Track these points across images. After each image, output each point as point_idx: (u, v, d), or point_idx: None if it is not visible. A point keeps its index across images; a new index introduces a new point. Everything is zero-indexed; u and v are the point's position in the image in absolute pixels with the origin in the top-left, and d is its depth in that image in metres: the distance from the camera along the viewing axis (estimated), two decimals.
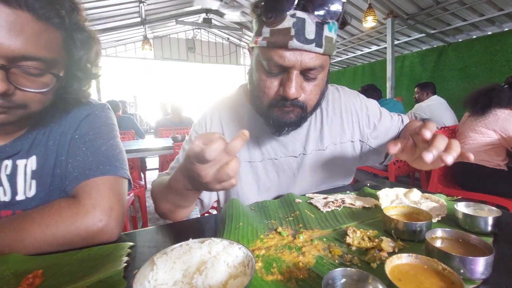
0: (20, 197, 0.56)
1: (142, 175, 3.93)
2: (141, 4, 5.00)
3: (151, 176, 4.80)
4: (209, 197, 0.77)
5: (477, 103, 1.91)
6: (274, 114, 0.63)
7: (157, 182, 0.71)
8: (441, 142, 0.47)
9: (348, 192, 0.74)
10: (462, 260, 0.36)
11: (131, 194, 1.81)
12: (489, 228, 0.48)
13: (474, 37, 4.86)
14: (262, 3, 0.56)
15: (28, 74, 0.46)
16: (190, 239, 0.38)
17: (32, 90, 0.47)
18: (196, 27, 6.98)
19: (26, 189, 0.56)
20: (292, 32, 0.54)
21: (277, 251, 0.44)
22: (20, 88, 0.45)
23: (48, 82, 0.48)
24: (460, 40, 5.07)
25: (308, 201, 0.66)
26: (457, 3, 4.00)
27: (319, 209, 0.61)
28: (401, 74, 5.84)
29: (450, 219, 0.53)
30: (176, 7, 5.86)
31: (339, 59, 6.93)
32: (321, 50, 0.57)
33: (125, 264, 0.40)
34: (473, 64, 4.61)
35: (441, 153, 0.46)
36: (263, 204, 0.64)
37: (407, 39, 5.45)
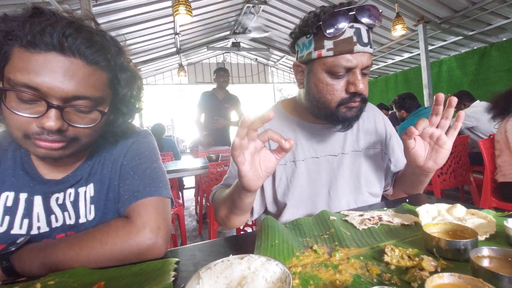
0: (82, 220, 0.64)
1: (180, 194, 4.11)
2: (177, 36, 5.45)
3: (189, 194, 4.99)
4: (259, 204, 0.86)
5: (496, 107, 1.75)
6: (341, 111, 0.74)
7: (217, 193, 0.85)
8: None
9: (385, 208, 0.72)
10: (511, 280, 0.34)
11: (172, 213, 1.90)
12: None
13: None
14: (320, 23, 0.68)
15: (79, 112, 0.53)
16: (231, 255, 0.41)
17: (82, 126, 0.54)
18: (226, 51, 7.38)
19: (86, 213, 0.64)
20: (354, 39, 0.67)
21: (313, 268, 0.44)
22: (72, 125, 0.53)
23: (96, 118, 0.56)
24: (505, 39, 4.69)
25: (343, 218, 0.66)
26: (496, 1, 3.75)
27: (355, 227, 0.60)
28: (438, 80, 5.51)
29: (499, 237, 0.50)
30: (207, 35, 6.30)
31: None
32: (371, 50, 0.71)
33: (173, 278, 0.44)
34: None
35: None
36: (298, 221, 0.65)
37: (442, 43, 5.19)
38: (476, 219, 0.57)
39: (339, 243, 0.53)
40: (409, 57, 5.99)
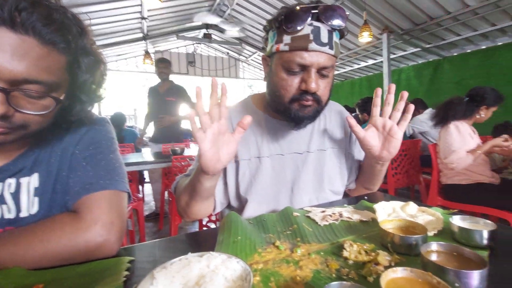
0: (23, 214, 0.56)
1: (141, 188, 3.92)
2: (144, 21, 5.14)
3: (149, 188, 4.77)
4: (222, 196, 0.84)
5: (436, 117, 1.96)
6: (294, 108, 0.73)
7: (179, 182, 0.83)
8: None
9: (345, 205, 0.75)
10: (457, 273, 0.36)
11: (129, 208, 1.80)
12: (485, 242, 0.48)
13: (469, 51, 4.97)
14: (283, 17, 0.68)
15: (28, 97, 0.46)
16: (189, 253, 0.39)
17: (32, 113, 0.47)
18: (197, 42, 7.14)
19: (29, 206, 0.57)
20: (311, 37, 0.67)
21: (275, 265, 0.44)
22: (19, 111, 0.46)
23: (48, 104, 0.49)
24: (455, 54, 5.18)
25: (306, 214, 0.67)
26: (450, 19, 4.12)
27: (317, 223, 0.61)
28: (398, 87, 5.87)
29: (446, 233, 0.54)
30: (177, 23, 6.04)
31: (337, 72, 7.06)
32: (332, 52, 0.70)
33: (125, 279, 0.41)
34: (468, 77, 4.69)
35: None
36: (261, 217, 0.65)
37: (403, 53, 5.57)
38: (426, 216, 0.62)
39: (301, 239, 0.54)
40: (373, 64, 6.35)
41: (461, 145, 1.79)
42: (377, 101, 0.78)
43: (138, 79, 17.10)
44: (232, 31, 4.86)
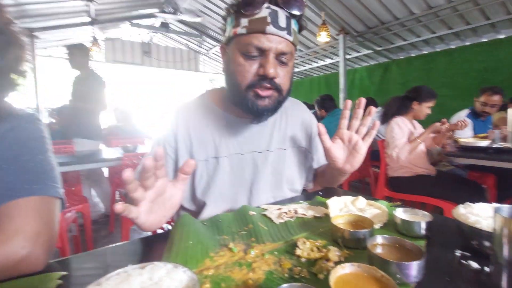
0: None
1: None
2: (91, 3, 4.66)
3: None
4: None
5: (382, 115, 2.19)
6: (251, 97, 0.70)
7: None
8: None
9: (301, 201, 0.76)
10: (398, 265, 0.38)
11: (73, 212, 1.62)
12: (423, 232, 0.52)
13: (413, 55, 5.49)
14: (240, 0, 0.67)
15: None
16: (129, 265, 0.35)
17: None
18: (153, 31, 6.71)
19: None
20: (269, 19, 0.66)
21: (227, 269, 0.42)
22: None
23: None
24: (402, 57, 5.68)
25: (262, 212, 0.66)
26: (398, 24, 4.49)
27: (273, 221, 0.61)
28: (352, 86, 6.32)
29: (390, 225, 0.57)
30: (131, 8, 5.59)
31: (298, 70, 7.25)
32: (291, 38, 0.69)
33: None
34: (412, 79, 5.19)
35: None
36: (216, 218, 0.62)
37: (357, 54, 5.92)
38: (374, 210, 0.65)
39: (256, 239, 0.53)
40: (331, 63, 6.65)
41: (401, 138, 1.98)
42: (346, 113, 0.77)
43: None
44: (189, 17, 4.66)
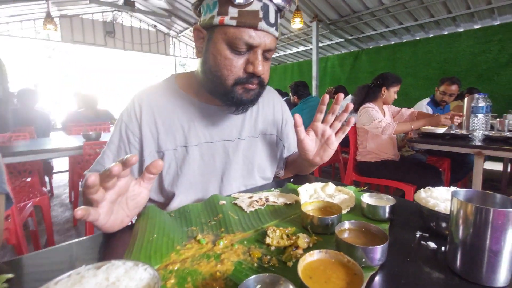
0: None
1: (48, 180, 3.35)
2: None
3: (61, 179, 4.13)
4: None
5: (354, 104, 2.29)
6: (237, 91, 0.68)
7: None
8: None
9: (272, 189, 0.76)
10: (363, 250, 0.39)
11: (29, 204, 1.49)
12: (387, 216, 0.54)
13: (381, 45, 5.69)
14: None
15: None
16: (83, 266, 0.32)
17: None
18: (116, 9, 6.21)
19: None
20: (261, 14, 0.62)
21: (194, 262, 0.40)
22: None
23: None
24: (371, 47, 5.87)
25: (233, 201, 0.65)
26: (369, 14, 4.59)
27: (243, 210, 0.60)
28: (324, 74, 6.44)
29: (357, 209, 0.59)
30: None
31: None
32: (277, 34, 0.67)
33: None
34: (380, 68, 5.41)
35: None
36: (185, 209, 0.60)
37: (329, 42, 6.01)
38: (342, 195, 0.67)
39: (225, 229, 0.51)
40: (304, 50, 6.69)
41: (381, 117, 2.02)
42: (322, 108, 0.75)
43: (40, 48, 14.11)
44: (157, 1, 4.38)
